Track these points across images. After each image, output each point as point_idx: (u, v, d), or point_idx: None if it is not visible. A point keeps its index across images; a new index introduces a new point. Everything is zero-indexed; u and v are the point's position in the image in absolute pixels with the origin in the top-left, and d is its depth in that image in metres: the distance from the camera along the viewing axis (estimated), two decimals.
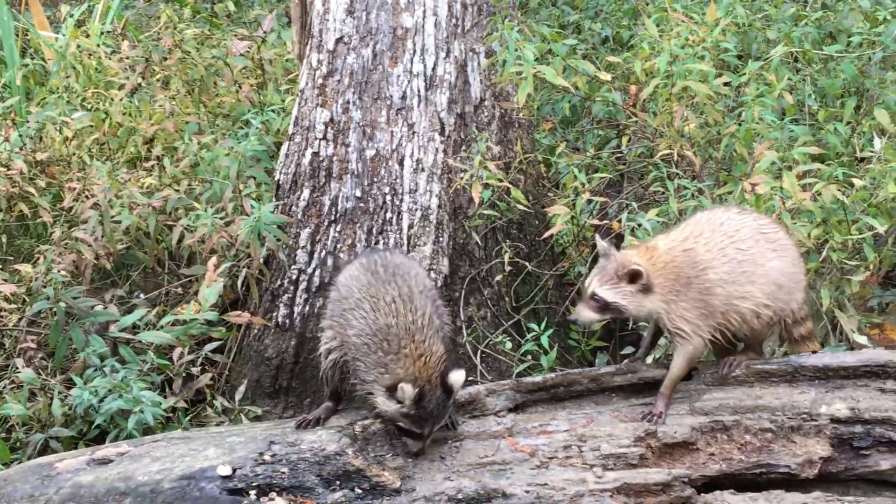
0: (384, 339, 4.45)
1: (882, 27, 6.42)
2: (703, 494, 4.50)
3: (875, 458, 4.60)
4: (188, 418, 5.72)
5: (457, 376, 4.42)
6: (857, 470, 4.61)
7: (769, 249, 4.75)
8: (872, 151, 5.83)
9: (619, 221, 5.95)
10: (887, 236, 5.71)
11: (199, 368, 5.89)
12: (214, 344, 5.92)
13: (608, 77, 6.22)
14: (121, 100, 7.04)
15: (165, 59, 7.30)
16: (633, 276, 4.57)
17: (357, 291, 4.61)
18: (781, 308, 4.77)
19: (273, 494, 4.37)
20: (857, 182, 5.60)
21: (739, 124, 5.92)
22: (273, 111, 6.80)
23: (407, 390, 4.35)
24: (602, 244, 4.73)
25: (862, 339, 5.41)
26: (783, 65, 6.35)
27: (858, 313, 5.70)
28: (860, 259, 5.58)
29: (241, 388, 5.95)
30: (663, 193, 5.99)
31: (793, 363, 4.76)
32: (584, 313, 4.66)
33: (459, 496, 4.37)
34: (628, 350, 6.10)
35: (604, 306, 4.62)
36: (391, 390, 4.39)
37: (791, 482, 4.58)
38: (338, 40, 6.07)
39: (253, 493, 4.37)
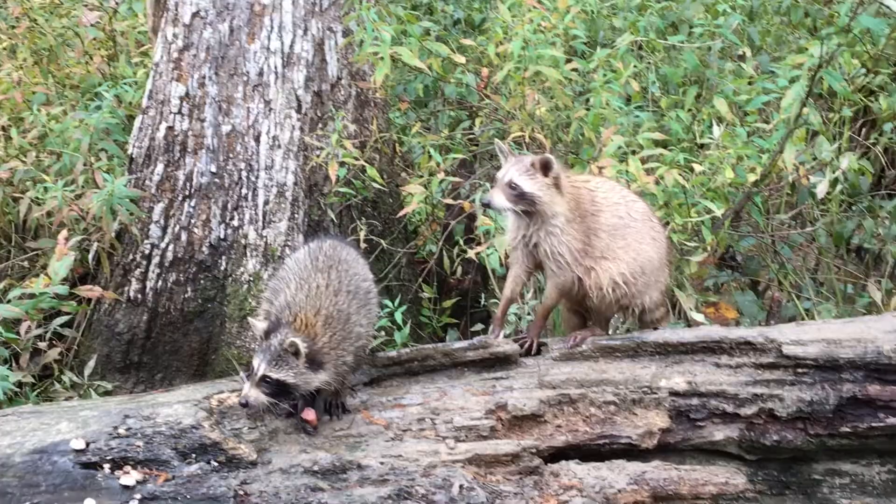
0: (294, 312, 4.51)
1: (722, 19, 6.71)
2: (550, 464, 4.68)
3: (710, 428, 4.84)
4: (35, 393, 5.64)
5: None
6: (693, 440, 4.85)
7: (650, 237, 4.98)
8: (711, 138, 6.10)
9: (472, 201, 6.10)
10: (723, 219, 5.99)
11: (48, 343, 5.81)
12: (64, 318, 5.83)
13: (462, 59, 6.34)
14: None
15: (13, 27, 7.12)
16: (546, 166, 4.78)
17: (292, 273, 4.67)
18: (633, 295, 4.95)
19: (128, 468, 4.36)
20: (697, 167, 5.87)
21: (588, 109, 6.12)
22: (126, 84, 6.71)
23: (255, 324, 4.50)
24: (502, 145, 4.94)
25: (699, 317, 5.68)
26: (629, 53, 6.58)
27: (696, 292, 5.98)
28: (699, 241, 5.85)
29: (91, 364, 5.89)
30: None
31: (636, 339, 4.96)
32: (499, 198, 4.80)
33: (315, 468, 4.45)
34: (478, 327, 6.26)
35: (520, 195, 4.78)
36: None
37: (632, 452, 4.78)
38: (194, 14, 6.03)
39: (107, 466, 4.35)
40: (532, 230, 4.88)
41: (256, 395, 4.40)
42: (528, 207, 4.81)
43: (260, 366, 4.39)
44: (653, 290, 5.02)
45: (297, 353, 4.40)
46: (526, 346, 4.96)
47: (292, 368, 4.40)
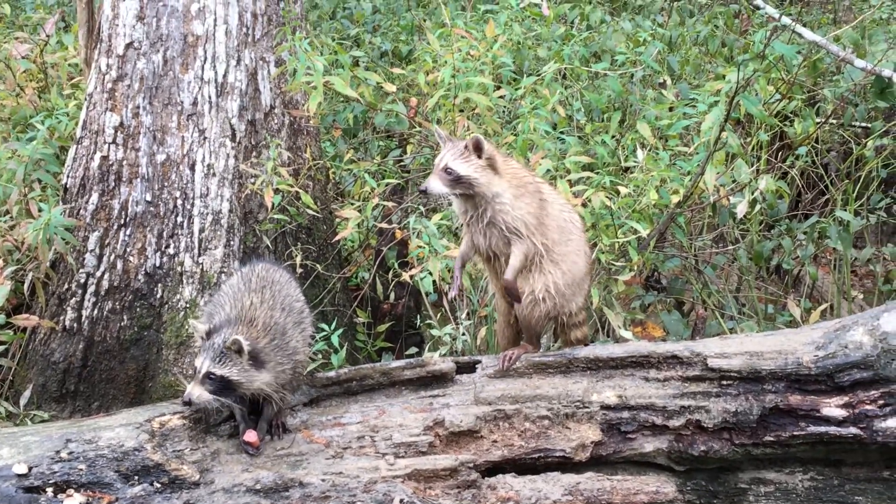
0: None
1: (643, 48, 6.94)
2: (487, 478, 4.80)
3: (640, 441, 4.98)
4: None
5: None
6: (624, 452, 4.98)
7: (583, 250, 5.16)
8: (636, 161, 6.30)
9: (404, 228, 6.22)
10: (649, 239, 6.18)
11: None
12: None
13: (393, 88, 6.48)
14: None
15: None
16: (478, 146, 4.83)
17: (226, 295, 4.80)
18: (562, 305, 5.10)
19: (71, 491, 4.40)
20: (623, 189, 6.06)
21: (516, 135, 6.29)
22: (59, 115, 6.74)
23: (196, 325, 4.60)
24: (440, 132, 4.98)
25: (627, 334, 5.84)
26: (555, 81, 6.77)
27: (624, 310, 6.15)
28: (626, 260, 6.02)
29: (27, 393, 5.89)
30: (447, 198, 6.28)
31: (567, 355, 5.10)
32: (435, 184, 4.84)
33: (258, 487, 4.52)
34: (413, 351, 6.36)
35: (456, 179, 4.82)
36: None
37: (566, 465, 4.92)
38: (128, 45, 6.10)
39: (50, 490, 4.39)
40: (480, 210, 4.91)
41: (200, 393, 4.47)
42: (465, 190, 4.85)
43: (203, 363, 4.47)
44: (579, 295, 5.17)
45: (240, 351, 4.49)
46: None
47: (236, 365, 4.49)
